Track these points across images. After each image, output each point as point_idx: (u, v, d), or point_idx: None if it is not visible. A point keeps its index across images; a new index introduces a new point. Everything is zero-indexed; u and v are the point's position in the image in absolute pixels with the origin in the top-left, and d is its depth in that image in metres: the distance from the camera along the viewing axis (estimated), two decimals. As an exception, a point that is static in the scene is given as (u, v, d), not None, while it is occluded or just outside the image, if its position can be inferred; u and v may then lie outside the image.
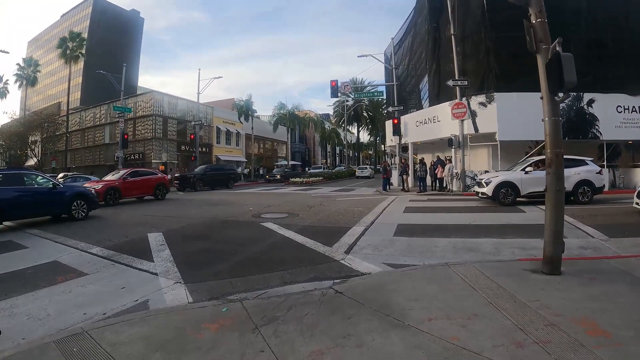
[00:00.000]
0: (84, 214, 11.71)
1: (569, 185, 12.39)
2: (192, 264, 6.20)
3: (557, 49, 4.68)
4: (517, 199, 12.63)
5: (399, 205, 13.65)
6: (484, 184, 13.08)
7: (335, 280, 5.13)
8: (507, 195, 12.56)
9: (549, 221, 4.98)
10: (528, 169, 12.79)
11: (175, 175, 30.03)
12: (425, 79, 23.23)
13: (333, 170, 47.47)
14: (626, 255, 6.00)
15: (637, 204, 9.87)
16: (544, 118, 5.03)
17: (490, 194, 12.77)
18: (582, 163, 12.98)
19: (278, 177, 36.44)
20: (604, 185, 13.06)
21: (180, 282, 5.20)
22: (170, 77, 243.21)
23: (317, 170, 43.41)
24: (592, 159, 13.76)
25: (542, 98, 5.06)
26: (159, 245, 7.46)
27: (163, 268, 5.87)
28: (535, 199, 12.61)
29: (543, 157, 14.77)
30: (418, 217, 10.88)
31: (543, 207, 11.77)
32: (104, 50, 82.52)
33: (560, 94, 4.94)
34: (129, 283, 5.26)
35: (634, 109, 17.33)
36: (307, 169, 50.02)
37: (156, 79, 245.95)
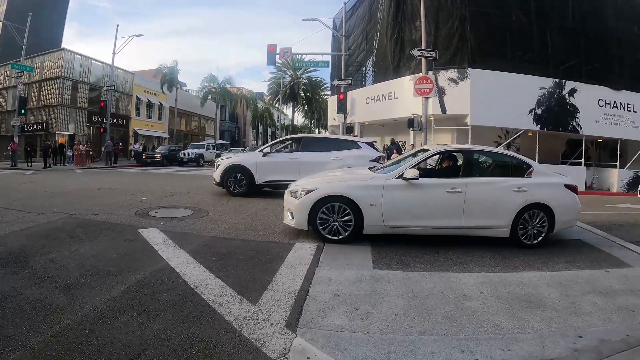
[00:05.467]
0: None
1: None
2: None
3: None
4: (251, 189, 9.91)
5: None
6: (216, 167, 10.62)
7: None
8: (238, 183, 9.86)
9: None
10: (266, 150, 10.34)
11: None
12: (373, 56, 20.20)
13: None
14: None
15: None
16: None
17: (218, 180, 10.12)
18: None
19: (158, 158, 26.43)
20: None
21: None
22: (107, 48, 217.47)
23: (193, 151, 29.74)
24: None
25: None
26: None
27: None
28: (274, 189, 10.03)
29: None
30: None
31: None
32: (28, 8, 69.52)
33: None
34: None
35: (615, 105, 15.51)
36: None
37: (90, 48, 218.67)
